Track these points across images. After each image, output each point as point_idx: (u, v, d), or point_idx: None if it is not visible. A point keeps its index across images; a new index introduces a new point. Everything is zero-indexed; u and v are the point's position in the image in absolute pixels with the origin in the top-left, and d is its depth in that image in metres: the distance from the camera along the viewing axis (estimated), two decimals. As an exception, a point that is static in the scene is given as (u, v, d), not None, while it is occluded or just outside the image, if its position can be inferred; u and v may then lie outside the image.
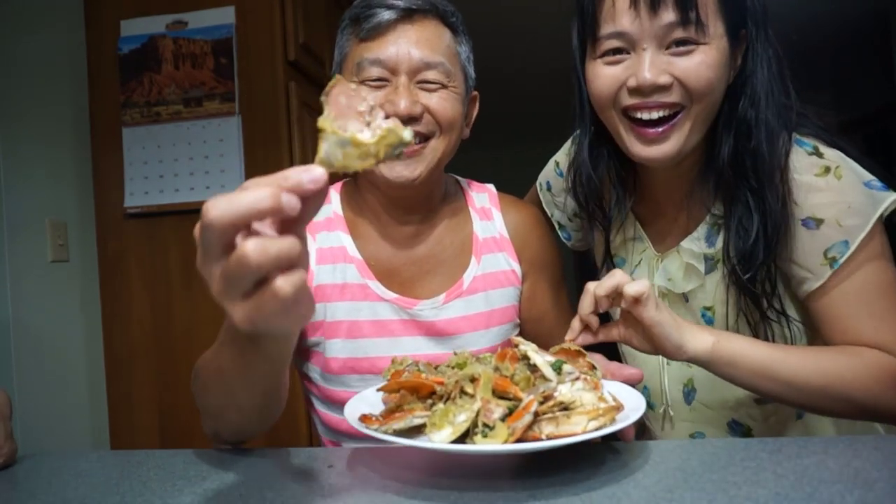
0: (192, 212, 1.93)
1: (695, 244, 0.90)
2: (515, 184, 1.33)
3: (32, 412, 1.72)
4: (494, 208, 1.03)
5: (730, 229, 0.84)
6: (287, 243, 0.43)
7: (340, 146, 0.47)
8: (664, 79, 0.78)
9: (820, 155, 0.82)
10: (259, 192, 0.43)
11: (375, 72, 0.88)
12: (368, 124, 0.49)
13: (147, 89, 1.95)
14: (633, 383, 0.73)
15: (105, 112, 1.99)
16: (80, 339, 1.96)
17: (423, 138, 0.90)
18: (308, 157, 2.00)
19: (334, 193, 1.04)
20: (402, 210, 0.97)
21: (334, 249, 0.97)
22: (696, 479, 0.57)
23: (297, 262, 0.44)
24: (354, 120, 0.49)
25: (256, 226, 0.44)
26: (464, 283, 0.97)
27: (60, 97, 1.95)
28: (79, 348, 1.96)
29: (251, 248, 0.42)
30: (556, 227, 1.15)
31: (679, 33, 0.78)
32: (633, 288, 0.72)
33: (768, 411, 0.92)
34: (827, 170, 0.80)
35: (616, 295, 0.74)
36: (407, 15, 0.88)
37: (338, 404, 0.97)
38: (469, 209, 1.03)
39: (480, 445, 0.56)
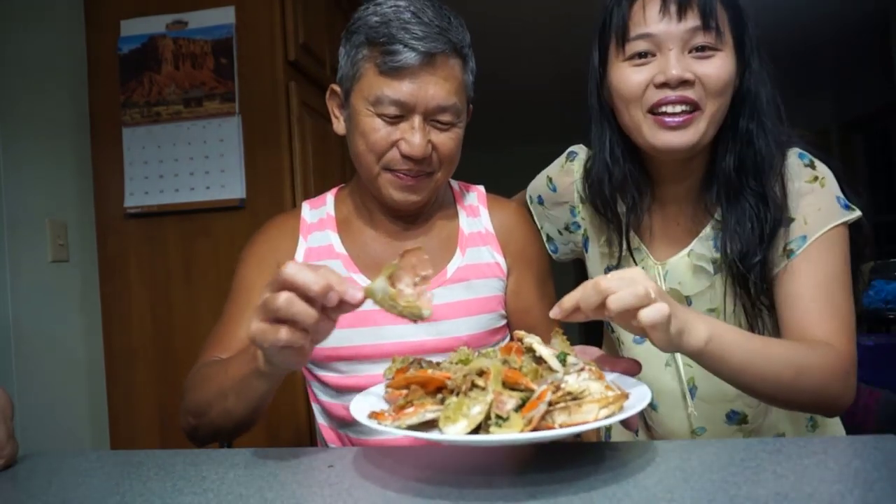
0: (192, 212, 1.93)
1: (705, 248, 0.96)
2: (511, 185, 1.34)
3: (32, 412, 1.71)
4: (482, 206, 1.07)
5: (727, 230, 0.92)
6: (306, 312, 0.62)
7: (383, 290, 0.65)
8: (688, 75, 0.87)
9: (814, 167, 0.92)
10: (318, 279, 0.62)
11: (393, 110, 0.92)
12: (415, 285, 0.67)
13: (147, 89, 1.95)
14: (632, 374, 0.73)
15: (105, 112, 1.99)
16: (80, 340, 1.96)
17: (427, 174, 0.95)
18: (308, 156, 2.00)
19: (329, 196, 1.10)
20: (396, 212, 1.02)
21: (322, 248, 1.03)
22: (696, 479, 0.57)
23: (308, 327, 0.63)
24: (409, 276, 0.67)
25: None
26: (447, 272, 1.00)
27: (60, 97, 1.95)
28: (79, 348, 1.95)
29: (283, 297, 0.62)
30: (545, 238, 1.18)
31: (700, 39, 0.88)
32: (648, 317, 0.65)
33: None
34: (815, 178, 0.91)
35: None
36: (428, 59, 0.90)
37: (330, 388, 1.01)
38: (457, 206, 1.07)
39: (499, 435, 0.56)
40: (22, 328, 1.72)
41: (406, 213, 1.01)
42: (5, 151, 1.72)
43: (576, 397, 0.60)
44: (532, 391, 0.60)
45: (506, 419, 0.57)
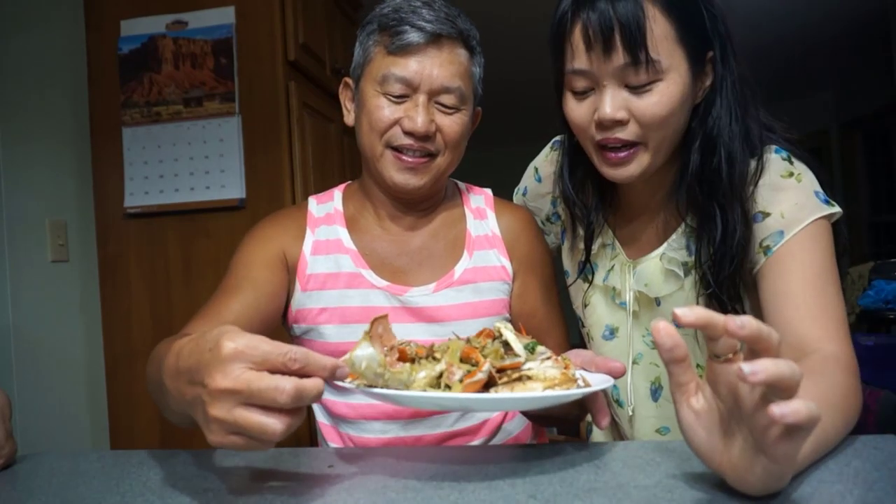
0: (192, 212, 1.93)
1: (676, 252, 0.95)
2: (506, 184, 1.34)
3: (32, 412, 1.72)
4: (489, 209, 1.08)
5: (701, 239, 0.90)
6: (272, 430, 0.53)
7: (368, 359, 0.61)
8: (621, 114, 0.84)
9: (791, 162, 0.89)
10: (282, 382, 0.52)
11: (398, 88, 0.94)
12: (385, 355, 0.63)
13: (147, 89, 1.95)
14: (616, 375, 0.72)
15: (105, 112, 1.99)
16: (80, 339, 1.96)
17: (431, 155, 0.96)
18: (308, 156, 2.00)
19: (337, 192, 1.10)
20: (402, 206, 1.02)
21: (330, 241, 1.03)
22: (696, 479, 0.57)
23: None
24: (378, 345, 0.64)
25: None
26: (454, 274, 1.01)
27: (60, 97, 1.95)
28: (79, 348, 1.96)
29: (238, 414, 0.51)
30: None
31: (632, 77, 0.83)
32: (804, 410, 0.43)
33: None
34: (791, 174, 0.87)
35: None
36: (435, 39, 0.93)
37: (332, 386, 0.98)
38: (464, 209, 1.08)
39: (427, 392, 0.59)
40: (22, 328, 1.72)
41: (409, 200, 1.01)
42: (5, 151, 1.72)
43: (529, 378, 0.62)
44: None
45: (451, 388, 0.60)
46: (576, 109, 0.89)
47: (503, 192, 1.19)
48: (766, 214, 0.86)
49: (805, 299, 0.81)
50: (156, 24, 1.96)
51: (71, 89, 1.99)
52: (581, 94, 0.88)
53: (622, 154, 0.87)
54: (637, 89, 0.83)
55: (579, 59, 0.85)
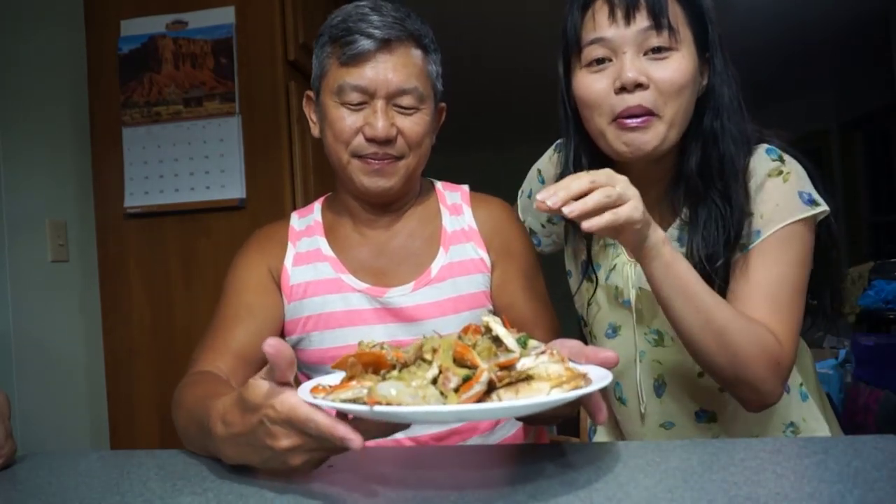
0: (192, 212, 1.93)
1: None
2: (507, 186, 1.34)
3: (32, 412, 1.72)
4: (465, 204, 1.08)
5: (695, 231, 0.92)
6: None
7: (395, 387, 0.56)
8: (643, 79, 0.87)
9: (782, 161, 0.91)
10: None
11: (356, 97, 0.95)
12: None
13: (147, 89, 1.95)
14: (609, 366, 0.69)
15: (105, 112, 1.99)
16: (80, 340, 1.96)
17: (395, 158, 0.97)
18: (308, 156, 2.00)
19: (317, 205, 1.12)
20: (376, 209, 1.04)
21: (310, 251, 1.05)
22: (696, 479, 0.57)
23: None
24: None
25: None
26: (431, 271, 1.01)
27: (60, 97, 1.95)
28: (79, 348, 1.95)
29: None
30: (528, 232, 1.17)
31: (654, 40, 0.88)
32: (624, 213, 0.75)
33: (730, 398, 0.97)
34: (780, 173, 0.89)
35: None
36: (385, 44, 0.94)
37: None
38: (440, 206, 1.08)
39: (423, 407, 0.53)
40: (22, 328, 1.72)
41: (382, 203, 1.02)
42: (5, 151, 1.72)
43: (531, 378, 0.57)
44: (478, 368, 0.56)
45: (447, 398, 0.54)
46: (592, 84, 0.91)
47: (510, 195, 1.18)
48: (750, 214, 0.90)
49: (759, 300, 0.86)
50: (156, 24, 1.96)
51: (71, 89, 1.99)
52: (598, 67, 0.90)
53: (639, 119, 0.89)
54: (656, 56, 0.88)
55: (601, 26, 0.89)
